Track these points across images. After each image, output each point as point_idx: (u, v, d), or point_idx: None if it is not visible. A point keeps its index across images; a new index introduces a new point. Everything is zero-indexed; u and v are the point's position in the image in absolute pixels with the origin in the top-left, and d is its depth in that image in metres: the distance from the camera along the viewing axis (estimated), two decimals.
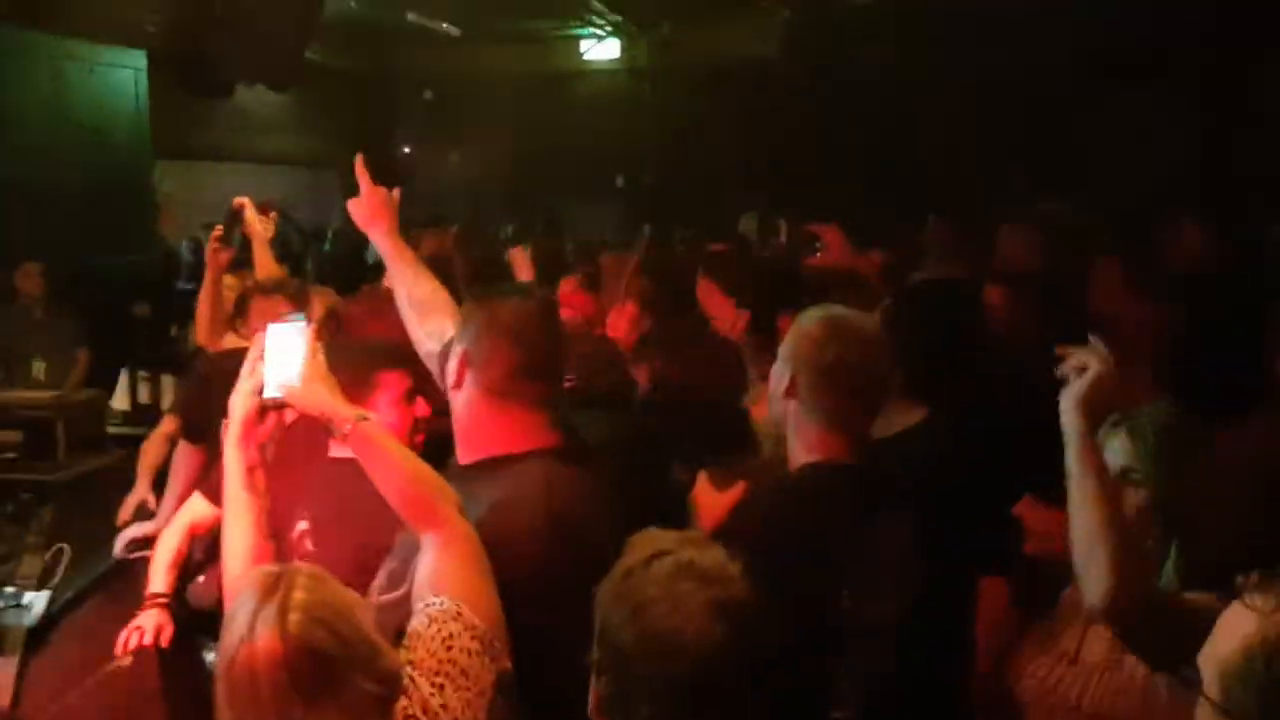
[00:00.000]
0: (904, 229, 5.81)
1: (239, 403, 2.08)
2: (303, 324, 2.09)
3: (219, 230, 4.58)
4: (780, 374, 2.30)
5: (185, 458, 4.06)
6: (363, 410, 2.02)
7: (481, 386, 2.11)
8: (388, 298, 2.93)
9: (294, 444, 2.64)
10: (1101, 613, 1.94)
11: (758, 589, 1.56)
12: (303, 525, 2.59)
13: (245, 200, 4.64)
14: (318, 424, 2.09)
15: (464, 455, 2.16)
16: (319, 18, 7.57)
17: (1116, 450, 2.28)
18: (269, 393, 2.05)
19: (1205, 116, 10.69)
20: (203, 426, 3.93)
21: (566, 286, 4.67)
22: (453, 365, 2.15)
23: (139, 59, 8.76)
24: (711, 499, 2.85)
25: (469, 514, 1.93)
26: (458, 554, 1.84)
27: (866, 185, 10.65)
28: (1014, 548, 2.80)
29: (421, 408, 2.70)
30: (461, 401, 2.14)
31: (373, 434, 1.96)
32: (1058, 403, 2.06)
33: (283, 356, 2.05)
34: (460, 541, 1.85)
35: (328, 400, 2.02)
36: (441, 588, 1.80)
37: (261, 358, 2.07)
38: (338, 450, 2.55)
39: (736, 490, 2.77)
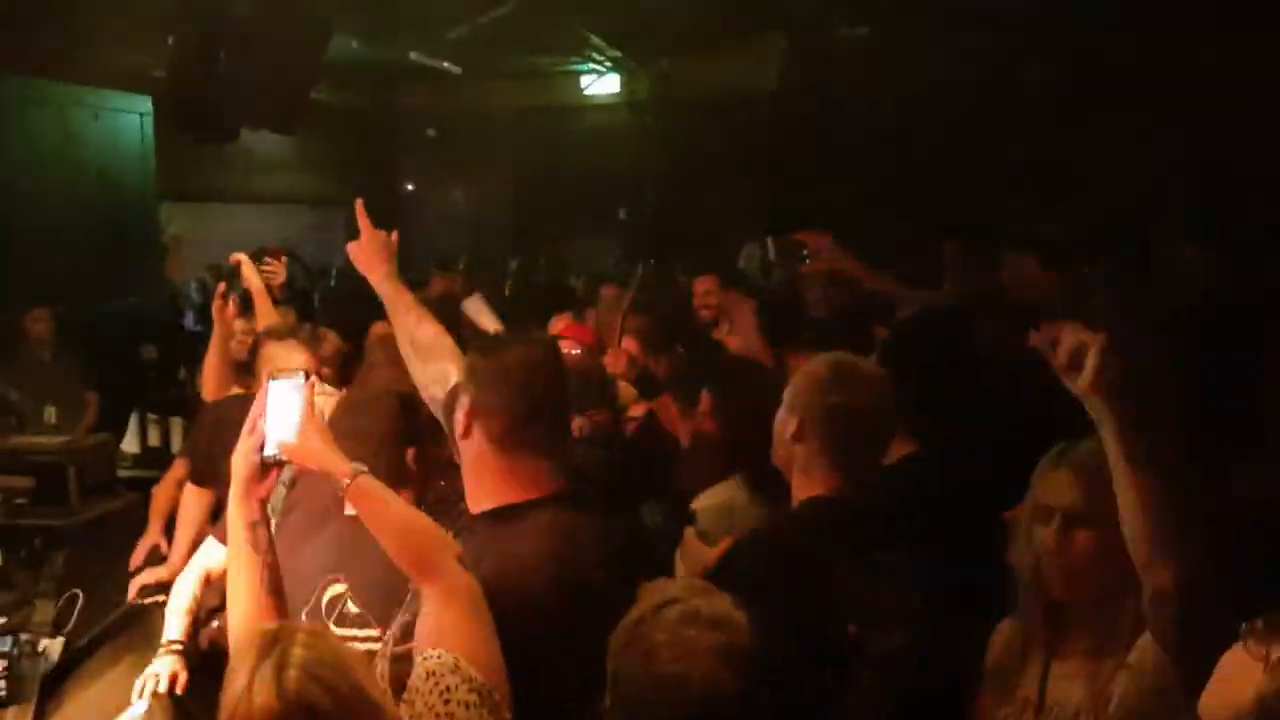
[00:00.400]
0: (909, 253, 5.87)
1: (240, 460, 2.09)
2: (302, 379, 2.12)
3: (222, 286, 4.63)
4: (786, 419, 2.37)
5: (193, 501, 4.10)
6: (359, 464, 2.03)
7: (489, 436, 2.13)
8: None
9: (315, 500, 2.64)
10: (1172, 597, 1.74)
11: (763, 629, 1.60)
12: (339, 588, 2.56)
13: (242, 256, 4.68)
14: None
15: (474, 504, 2.17)
16: (323, 61, 7.65)
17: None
18: (269, 449, 2.07)
19: (1203, 121, 10.74)
20: (210, 470, 3.96)
21: (560, 322, 4.74)
22: (460, 415, 2.16)
23: (145, 104, 8.88)
24: (701, 554, 2.84)
25: (479, 564, 1.95)
26: (457, 606, 1.84)
27: (869, 211, 10.70)
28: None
29: None
30: (470, 451, 2.16)
31: (369, 488, 1.98)
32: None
33: (282, 412, 2.08)
34: (460, 593, 1.86)
35: (325, 455, 2.03)
36: (440, 641, 1.81)
37: (263, 414, 2.09)
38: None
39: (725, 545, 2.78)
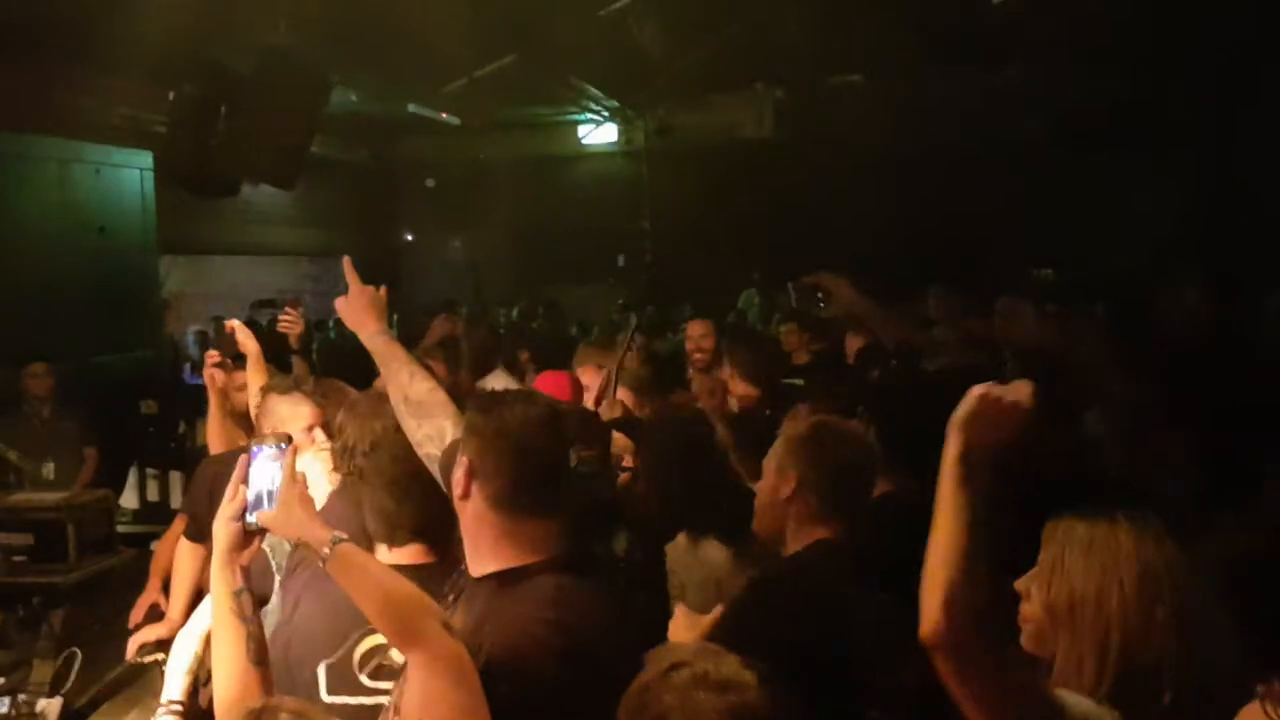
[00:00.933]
0: (904, 298, 5.92)
1: (221, 527, 2.08)
2: (284, 445, 2.12)
3: (212, 354, 4.59)
4: (778, 484, 2.48)
5: (188, 557, 4.07)
6: (339, 533, 2.00)
7: (488, 498, 2.08)
8: None
9: None
10: (924, 639, 1.82)
11: (774, 691, 1.59)
12: (377, 639, 2.42)
13: (235, 323, 4.65)
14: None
15: (474, 567, 2.13)
16: (323, 117, 7.72)
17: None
18: (250, 517, 2.07)
19: (1199, 177, 10.84)
20: (207, 526, 3.93)
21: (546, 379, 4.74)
22: (458, 475, 2.11)
23: (145, 159, 8.93)
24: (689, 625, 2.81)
25: (481, 630, 1.93)
26: (443, 673, 1.81)
27: (863, 258, 10.78)
28: None
29: None
30: (469, 513, 2.11)
31: (350, 555, 1.96)
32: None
33: (264, 478, 2.08)
34: (446, 660, 1.82)
35: (304, 524, 2.01)
36: (426, 710, 1.79)
37: (244, 480, 2.09)
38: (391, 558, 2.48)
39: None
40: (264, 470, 2.09)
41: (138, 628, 4.00)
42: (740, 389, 4.45)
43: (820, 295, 3.38)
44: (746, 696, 1.56)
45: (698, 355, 5.55)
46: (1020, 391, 1.85)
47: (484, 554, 2.10)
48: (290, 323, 4.89)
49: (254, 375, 4.48)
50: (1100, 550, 1.90)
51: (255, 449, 2.11)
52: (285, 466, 2.07)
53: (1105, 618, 1.84)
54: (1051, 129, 11.45)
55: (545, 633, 1.97)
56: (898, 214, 11.91)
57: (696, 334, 5.66)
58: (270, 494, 2.06)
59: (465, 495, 2.09)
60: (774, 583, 2.47)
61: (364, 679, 2.40)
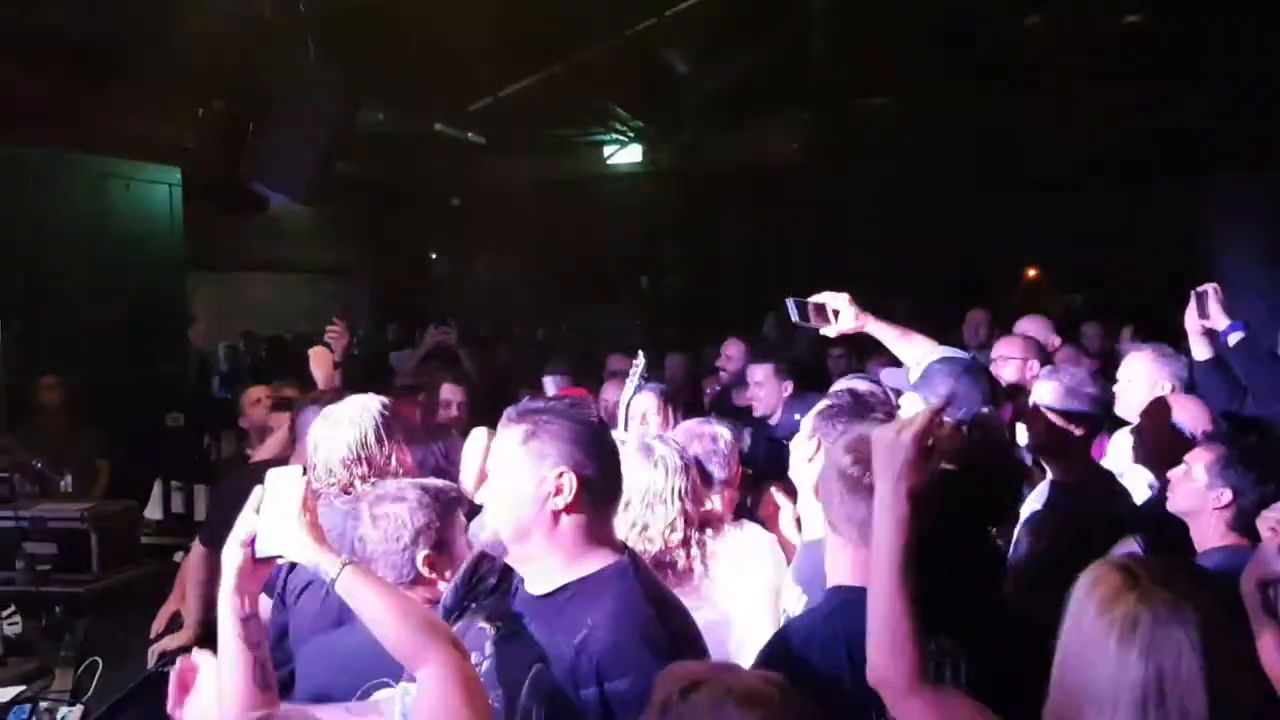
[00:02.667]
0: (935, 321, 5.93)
1: (230, 553, 2.09)
2: (298, 472, 2.15)
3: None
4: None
5: (200, 563, 4.06)
6: (346, 556, 2.05)
7: (589, 496, 2.13)
8: None
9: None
10: (872, 678, 1.92)
11: (797, 701, 1.56)
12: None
13: (318, 349, 4.80)
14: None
15: (541, 584, 2.15)
16: (351, 136, 7.76)
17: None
18: (259, 543, 2.08)
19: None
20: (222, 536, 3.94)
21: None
22: (554, 488, 2.10)
23: (174, 174, 9.02)
24: None
25: (568, 638, 1.97)
26: (453, 690, 1.82)
27: (890, 282, 10.75)
28: None
29: None
30: (564, 523, 2.12)
31: (358, 578, 2.00)
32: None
33: (276, 504, 2.09)
34: (456, 677, 1.84)
35: (313, 549, 2.04)
36: None
37: (257, 506, 2.10)
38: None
39: None
40: (276, 494, 2.11)
41: (159, 637, 4.00)
42: None
43: (829, 314, 3.30)
44: (775, 709, 1.54)
45: (725, 374, 5.56)
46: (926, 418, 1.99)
47: (569, 560, 2.12)
48: (336, 335, 4.98)
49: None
50: None
51: (270, 474, 2.14)
52: (300, 491, 2.09)
53: None
54: (1079, 154, 11.41)
55: (643, 624, 2.01)
56: (924, 239, 11.89)
57: (728, 353, 5.67)
58: (280, 520, 2.07)
59: (573, 505, 2.10)
60: (793, 640, 2.38)
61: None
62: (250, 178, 7.40)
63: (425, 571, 2.58)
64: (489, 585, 2.25)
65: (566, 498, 2.09)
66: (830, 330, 3.39)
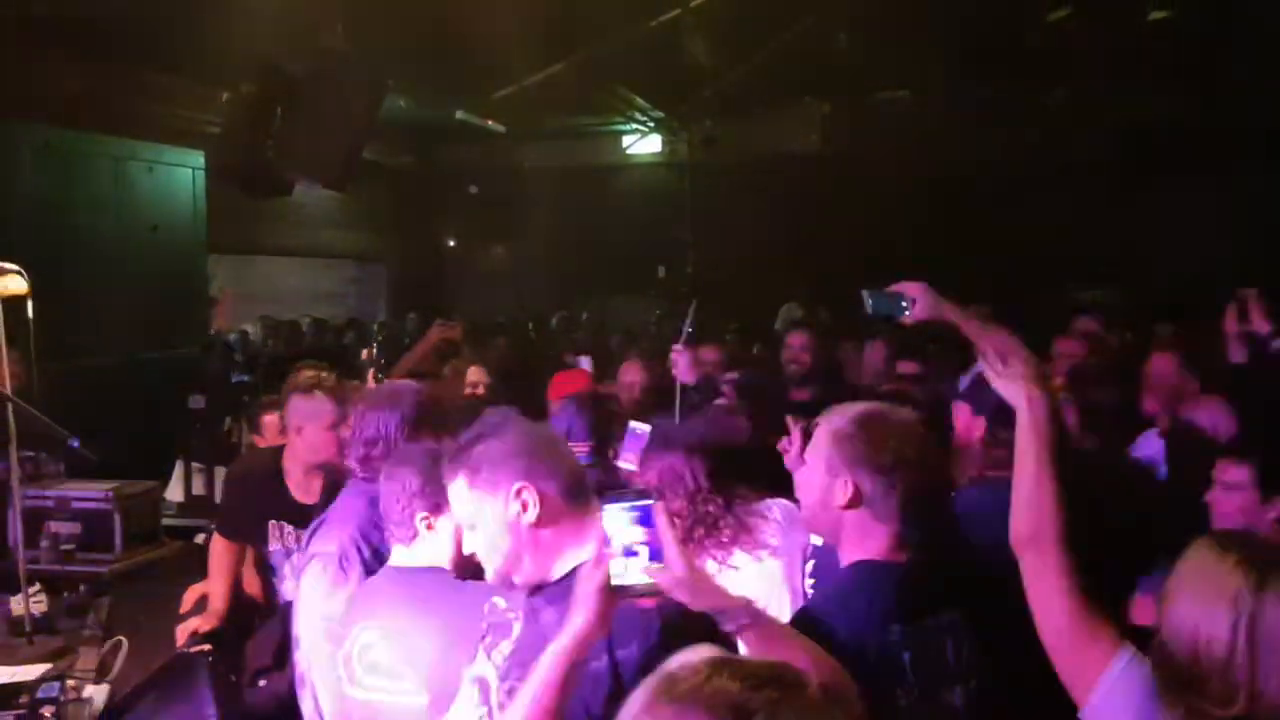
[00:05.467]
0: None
1: (590, 595, 1.80)
2: (649, 502, 1.86)
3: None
4: (833, 483, 2.20)
5: (223, 551, 4.08)
6: (746, 596, 1.88)
7: (558, 497, 2.12)
8: None
9: None
10: (1015, 539, 2.09)
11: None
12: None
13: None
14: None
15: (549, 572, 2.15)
16: (377, 122, 7.77)
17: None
18: (630, 579, 1.81)
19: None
20: (238, 525, 3.99)
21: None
22: (521, 502, 2.07)
23: (197, 158, 9.05)
24: None
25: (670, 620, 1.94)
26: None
27: (907, 274, 10.71)
28: None
29: None
30: (540, 533, 2.11)
31: (767, 621, 1.87)
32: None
33: (631, 537, 1.83)
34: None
35: (717, 592, 1.86)
36: None
37: (606, 540, 1.84)
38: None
39: None
40: (622, 527, 1.84)
41: (186, 615, 4.03)
42: None
43: (905, 302, 3.28)
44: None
45: (793, 367, 5.57)
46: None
47: (569, 558, 2.10)
48: (450, 328, 5.76)
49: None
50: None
51: (607, 507, 1.87)
52: (661, 525, 1.83)
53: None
54: (1103, 147, 11.35)
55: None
56: (942, 231, 11.84)
57: (797, 344, 5.68)
58: (637, 553, 1.82)
59: (545, 514, 2.07)
60: (816, 613, 2.35)
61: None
62: (279, 163, 7.41)
63: (424, 530, 2.64)
64: None
65: (535, 509, 2.06)
66: (907, 319, 3.34)
